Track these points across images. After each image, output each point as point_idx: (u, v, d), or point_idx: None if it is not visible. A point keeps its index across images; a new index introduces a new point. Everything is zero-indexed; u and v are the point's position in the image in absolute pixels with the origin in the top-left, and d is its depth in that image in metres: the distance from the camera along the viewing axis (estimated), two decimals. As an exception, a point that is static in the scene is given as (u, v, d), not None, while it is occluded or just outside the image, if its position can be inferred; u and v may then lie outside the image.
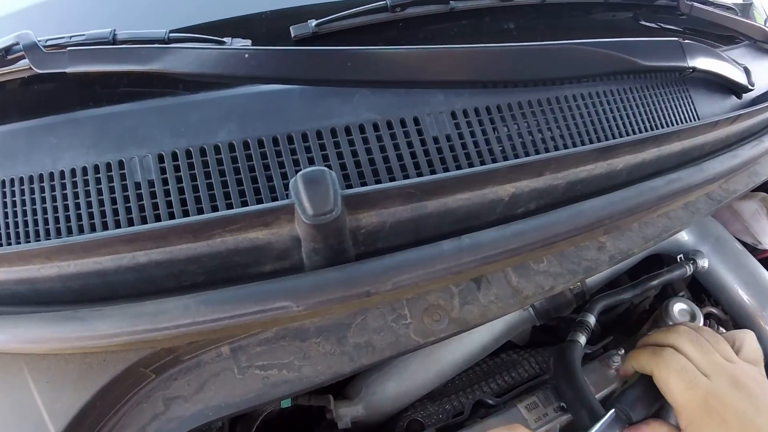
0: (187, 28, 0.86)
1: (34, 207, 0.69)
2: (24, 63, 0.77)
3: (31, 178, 0.70)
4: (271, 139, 0.67)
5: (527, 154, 0.73)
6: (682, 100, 0.95)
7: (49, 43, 0.77)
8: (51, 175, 0.69)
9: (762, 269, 1.04)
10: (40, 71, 0.74)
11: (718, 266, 1.04)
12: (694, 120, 0.94)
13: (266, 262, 0.60)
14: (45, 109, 0.75)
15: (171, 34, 0.76)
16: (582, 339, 0.92)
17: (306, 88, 0.69)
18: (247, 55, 0.64)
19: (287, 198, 0.62)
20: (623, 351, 0.95)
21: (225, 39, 0.76)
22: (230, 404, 0.59)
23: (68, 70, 0.72)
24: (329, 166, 0.65)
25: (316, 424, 1.00)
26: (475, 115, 0.72)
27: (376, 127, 0.68)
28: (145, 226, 0.58)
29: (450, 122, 0.70)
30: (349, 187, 0.66)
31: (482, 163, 0.70)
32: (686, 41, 0.89)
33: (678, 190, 0.74)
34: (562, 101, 0.79)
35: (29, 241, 0.70)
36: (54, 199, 0.68)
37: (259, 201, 0.65)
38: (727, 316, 1.07)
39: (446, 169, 0.69)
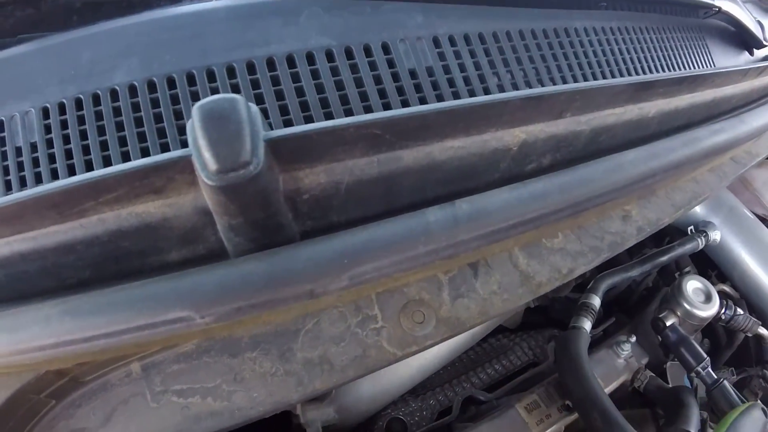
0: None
1: None
2: None
3: None
4: (185, 76, 0.42)
5: (532, 100, 0.49)
6: (700, 48, 0.71)
7: None
8: None
9: (779, 243, 0.81)
10: None
11: (730, 239, 0.82)
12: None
13: (169, 249, 0.36)
14: None
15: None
16: (587, 325, 0.70)
17: (233, 5, 0.44)
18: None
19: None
20: (634, 338, 0.73)
21: None
22: (142, 442, 0.36)
23: None
24: (264, 111, 0.40)
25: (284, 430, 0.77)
26: (465, 43, 0.47)
27: (330, 57, 0.43)
28: (-8, 202, 0.34)
29: (432, 51, 0.46)
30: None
31: (476, 108, 0.46)
32: (710, -26, 0.65)
33: (722, 143, 0.51)
34: (571, 33, 0.54)
35: None
36: None
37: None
38: (737, 294, 0.84)
39: (429, 116, 0.44)
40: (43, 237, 0.37)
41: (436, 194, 0.39)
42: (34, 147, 0.47)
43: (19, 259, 0.39)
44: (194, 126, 0.29)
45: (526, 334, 0.88)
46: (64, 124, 0.45)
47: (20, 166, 0.47)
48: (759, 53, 0.88)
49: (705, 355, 0.68)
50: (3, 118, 0.48)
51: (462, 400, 0.74)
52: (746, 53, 0.85)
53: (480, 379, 0.81)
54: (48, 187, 0.33)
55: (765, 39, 0.85)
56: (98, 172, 0.31)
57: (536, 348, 0.86)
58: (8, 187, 0.47)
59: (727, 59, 0.78)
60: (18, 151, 0.47)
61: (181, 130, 0.42)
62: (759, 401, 0.66)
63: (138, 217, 0.34)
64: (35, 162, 0.46)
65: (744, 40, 0.81)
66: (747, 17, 0.78)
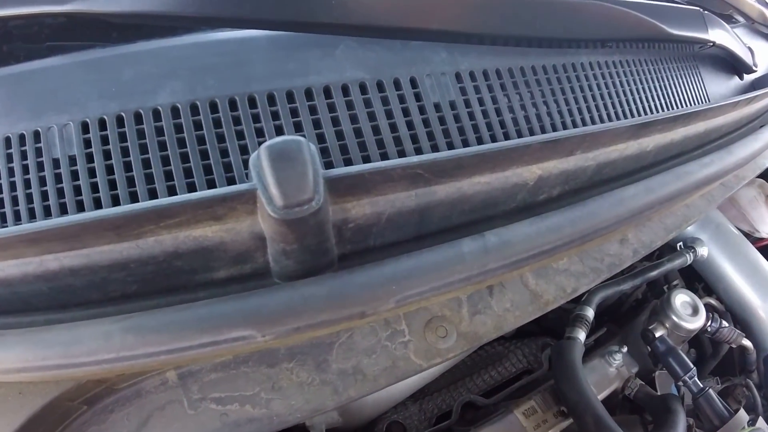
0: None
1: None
2: None
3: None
4: (227, 101, 0.48)
5: (542, 128, 0.56)
6: (694, 77, 0.79)
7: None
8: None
9: (762, 259, 0.91)
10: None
11: (717, 255, 0.91)
12: (707, 99, 0.79)
13: (219, 268, 0.41)
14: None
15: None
16: (582, 335, 0.78)
17: (275, 35, 0.49)
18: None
19: (247, 179, 0.42)
20: (625, 348, 0.81)
21: None
22: (180, 447, 0.42)
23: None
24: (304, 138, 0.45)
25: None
26: (483, 78, 0.54)
27: (363, 89, 0.49)
28: (51, 222, 0.39)
29: (455, 86, 0.52)
30: (329, 165, 0.47)
31: (492, 137, 0.53)
32: (706, 12, 0.73)
33: (712, 174, 0.59)
34: (578, 68, 0.61)
35: None
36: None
37: (210, 182, 0.46)
38: (722, 306, 0.94)
39: (450, 144, 0.51)
40: (97, 254, 0.41)
41: (461, 221, 0.45)
42: (72, 160, 0.51)
43: (68, 273, 0.43)
44: (262, 164, 0.34)
45: (521, 342, 0.95)
46: (104, 140, 0.50)
47: (57, 178, 0.51)
48: (748, 77, 0.97)
49: (692, 365, 0.77)
50: (39, 129, 0.52)
51: (461, 405, 0.81)
52: (736, 78, 0.93)
53: (476, 385, 0.88)
54: (111, 211, 0.38)
55: (754, 64, 0.94)
56: (165, 200, 0.36)
57: (530, 356, 0.93)
58: (45, 198, 0.51)
59: (719, 85, 0.87)
60: (55, 163, 0.52)
61: (224, 153, 0.47)
62: (761, 424, 0.74)
63: (195, 240, 0.39)
64: (74, 175, 0.50)
65: (735, 66, 0.90)
66: (738, 45, 0.86)
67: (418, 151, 0.48)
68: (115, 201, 0.48)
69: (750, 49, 0.93)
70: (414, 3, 0.47)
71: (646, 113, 0.67)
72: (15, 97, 0.54)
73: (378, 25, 0.46)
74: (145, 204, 0.37)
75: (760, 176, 1.01)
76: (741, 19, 1.06)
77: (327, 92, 0.49)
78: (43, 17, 0.57)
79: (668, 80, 0.74)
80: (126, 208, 0.38)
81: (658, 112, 0.68)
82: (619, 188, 0.49)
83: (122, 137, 0.49)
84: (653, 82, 0.71)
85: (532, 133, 0.55)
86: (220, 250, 0.40)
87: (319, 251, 0.38)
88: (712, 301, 0.93)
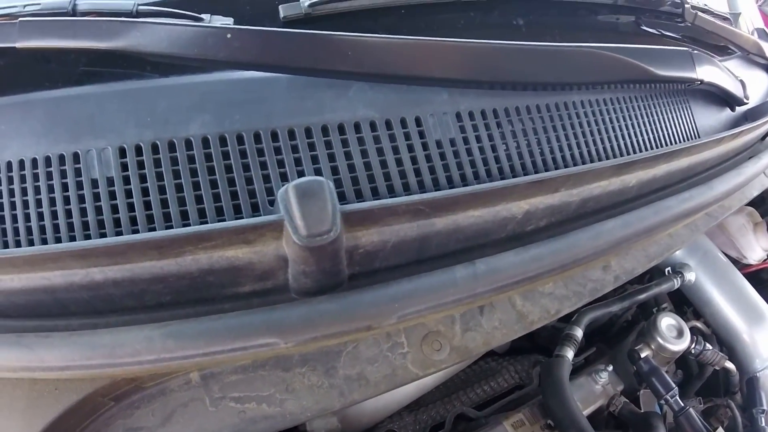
0: (159, 1, 0.72)
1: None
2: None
3: (-31, 171, 0.57)
4: (252, 134, 0.56)
5: (534, 163, 0.65)
6: (684, 111, 0.88)
7: (-1, 12, 0.63)
8: (-6, 167, 0.56)
9: (748, 286, 0.99)
10: (-14, 45, 0.60)
11: (704, 280, 1.00)
12: (695, 132, 0.88)
13: (245, 283, 0.50)
14: (-10, 89, 0.62)
15: (140, 7, 0.63)
16: (570, 354, 0.86)
17: (295, 78, 0.58)
18: (228, 36, 0.53)
19: (269, 205, 0.51)
20: (611, 367, 0.89)
21: (203, 15, 0.64)
22: (202, 440, 0.50)
23: (18, 44, 0.59)
24: (318, 170, 0.55)
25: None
26: (481, 117, 0.63)
27: (373, 127, 0.58)
28: (101, 241, 0.47)
29: (455, 124, 0.61)
30: (342, 196, 0.56)
31: (488, 171, 0.61)
32: (695, 51, 0.82)
33: (691, 209, 0.67)
34: (570, 107, 0.70)
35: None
36: (-4, 196, 0.56)
37: (237, 207, 0.55)
38: (709, 330, 1.02)
39: (449, 178, 0.59)
40: (139, 269, 0.49)
41: (456, 248, 0.54)
42: (110, 181, 0.59)
43: (111, 284, 0.51)
44: (289, 199, 0.43)
45: (513, 359, 1.02)
46: (140, 165, 0.57)
47: (96, 197, 0.59)
48: (740, 109, 1.06)
49: (674, 385, 0.84)
50: (79, 151, 0.59)
51: (454, 416, 0.89)
52: (728, 110, 1.02)
53: (470, 398, 0.95)
54: (157, 234, 0.46)
55: (745, 97, 1.03)
56: (206, 227, 0.44)
57: (522, 372, 1.00)
58: (83, 214, 0.59)
59: (709, 117, 0.96)
60: (94, 183, 0.60)
61: (248, 181, 0.56)
62: None
63: (227, 260, 0.48)
64: (111, 195, 0.58)
65: (725, 99, 0.99)
66: (728, 80, 0.95)
67: (420, 184, 0.57)
68: (150, 220, 0.56)
69: (742, 81, 1.01)
70: (417, 55, 0.56)
71: (635, 148, 0.76)
72: (54, 120, 0.60)
73: (386, 72, 0.55)
74: (187, 229, 0.46)
75: (750, 205, 1.10)
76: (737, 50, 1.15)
77: (341, 129, 0.57)
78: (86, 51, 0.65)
79: (658, 116, 0.83)
80: (171, 232, 0.46)
81: (647, 147, 0.77)
82: (599, 222, 0.58)
83: (157, 163, 0.57)
84: (643, 117, 0.80)
85: (524, 168, 0.64)
86: (248, 268, 0.48)
87: (333, 272, 0.47)
88: (699, 325, 1.01)
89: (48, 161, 0.59)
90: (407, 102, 0.60)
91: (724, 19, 1.11)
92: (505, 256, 0.51)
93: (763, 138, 1.06)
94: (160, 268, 0.49)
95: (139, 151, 0.58)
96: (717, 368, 0.97)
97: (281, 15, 0.69)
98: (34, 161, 0.57)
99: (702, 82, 0.84)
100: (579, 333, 0.87)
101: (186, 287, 0.51)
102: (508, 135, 0.64)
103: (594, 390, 0.88)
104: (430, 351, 0.54)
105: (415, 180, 0.58)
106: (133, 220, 0.57)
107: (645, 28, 0.97)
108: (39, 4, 0.65)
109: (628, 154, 0.72)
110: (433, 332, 0.55)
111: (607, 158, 0.69)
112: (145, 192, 0.57)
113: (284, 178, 0.55)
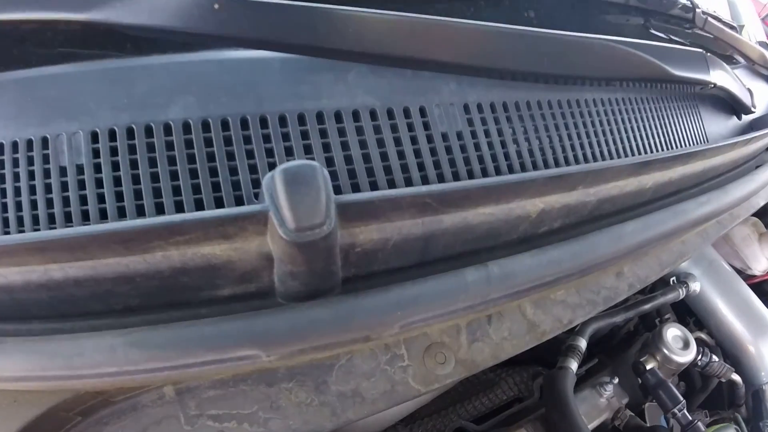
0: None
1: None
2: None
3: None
4: (239, 120, 0.49)
5: (545, 161, 0.58)
6: (694, 116, 0.82)
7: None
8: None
9: (754, 296, 0.94)
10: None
11: (709, 290, 0.94)
12: (705, 138, 0.82)
13: (224, 285, 0.42)
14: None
15: (117, -24, 0.55)
16: (574, 366, 0.80)
17: (289, 58, 0.51)
18: (216, 6, 0.45)
19: (255, 198, 0.44)
20: (616, 380, 0.82)
21: None
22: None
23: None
24: (311, 161, 0.47)
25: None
26: (490, 111, 0.56)
27: (373, 116, 0.51)
28: (57, 232, 0.40)
29: (462, 117, 0.54)
30: (337, 189, 0.48)
31: (497, 168, 0.54)
32: (709, 54, 0.77)
33: (708, 213, 0.61)
34: (582, 104, 0.64)
35: None
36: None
37: (219, 201, 0.47)
38: (713, 341, 0.96)
39: (456, 173, 0.52)
40: (102, 266, 0.42)
41: (464, 250, 0.47)
42: (80, 169, 0.52)
43: (72, 284, 0.44)
44: (276, 186, 0.36)
45: (512, 370, 0.96)
46: (113, 151, 0.51)
47: (64, 186, 0.52)
48: (747, 118, 1.01)
49: (681, 398, 0.79)
50: (48, 135, 0.52)
51: (452, 431, 0.82)
52: (735, 118, 0.97)
53: (467, 411, 0.89)
54: (122, 224, 0.39)
55: (753, 105, 0.98)
56: (177, 217, 0.37)
57: (521, 384, 0.94)
58: (50, 205, 0.52)
59: (717, 124, 0.90)
60: (62, 171, 0.52)
61: (233, 171, 0.49)
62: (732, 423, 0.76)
63: (203, 258, 0.40)
64: (80, 184, 0.51)
65: (734, 106, 0.94)
66: (738, 87, 0.90)
67: (425, 179, 0.50)
68: (121, 213, 0.49)
69: (749, 90, 0.96)
70: (426, 35, 0.49)
71: (646, 151, 0.70)
72: (25, 102, 0.54)
73: (391, 54, 0.48)
74: (156, 219, 0.38)
75: (755, 215, 1.05)
76: (741, 60, 1.10)
77: (338, 117, 0.50)
78: (58, 24, 0.58)
79: (669, 119, 0.77)
80: (136, 222, 0.39)
81: (658, 149, 0.71)
82: (619, 224, 0.51)
83: (131, 149, 0.50)
84: (654, 120, 0.74)
85: (535, 166, 0.57)
86: (227, 268, 0.41)
87: (325, 274, 0.40)
88: (703, 336, 0.95)
89: (15, 147, 0.52)
90: (412, 90, 0.53)
91: (731, 27, 1.06)
92: (520, 258, 0.44)
93: (768, 148, 1.01)
94: (126, 265, 0.42)
95: (113, 136, 0.51)
96: (723, 380, 0.91)
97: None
98: (1, 146, 0.51)
99: (715, 85, 0.78)
100: (583, 344, 0.81)
101: (157, 289, 0.43)
102: (519, 130, 0.57)
103: (599, 403, 0.82)
104: (434, 364, 0.46)
105: (418, 175, 0.51)
106: (103, 213, 0.50)
107: (653, 31, 0.91)
108: (4, -28, 0.57)
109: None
110: (436, 343, 0.47)
111: (621, 159, 0.62)
112: (117, 182, 0.50)
113: (273, 168, 0.48)
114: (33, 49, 0.60)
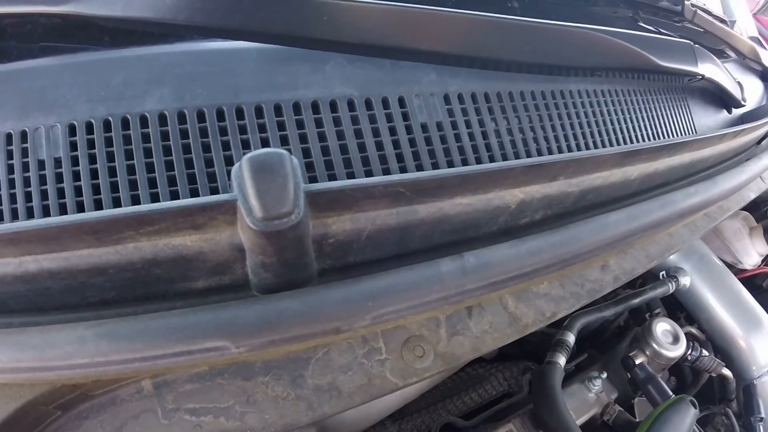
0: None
1: None
2: None
3: None
4: (215, 111, 0.48)
5: (528, 152, 0.57)
6: (683, 109, 0.81)
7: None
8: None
9: (744, 291, 0.92)
10: None
11: (699, 285, 0.92)
12: (694, 131, 0.80)
13: (197, 277, 0.41)
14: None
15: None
16: (562, 360, 0.78)
17: (265, 48, 0.50)
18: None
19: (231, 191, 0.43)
20: (605, 375, 0.81)
21: None
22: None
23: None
24: (288, 152, 0.46)
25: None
26: (471, 101, 0.55)
27: (351, 106, 0.50)
28: (30, 223, 0.39)
29: (442, 107, 0.53)
30: (313, 180, 0.47)
31: (478, 159, 0.53)
32: (697, 46, 0.75)
33: (696, 205, 0.59)
34: (566, 96, 0.63)
35: None
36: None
37: (194, 192, 0.46)
38: (703, 335, 0.94)
39: (435, 164, 0.51)
40: (75, 258, 0.41)
41: (442, 242, 0.45)
42: (57, 162, 0.51)
43: (47, 276, 0.43)
44: (243, 175, 0.34)
45: (502, 365, 0.95)
46: (90, 144, 0.50)
47: (42, 179, 0.51)
48: (737, 111, 0.99)
49: (670, 393, 0.77)
50: (27, 129, 0.52)
51: (440, 427, 0.80)
52: (725, 112, 0.95)
53: (456, 407, 0.88)
54: (91, 215, 0.38)
55: (743, 99, 0.96)
56: (145, 207, 0.36)
57: (511, 379, 0.93)
58: (28, 199, 0.51)
59: (707, 118, 0.89)
60: (41, 165, 0.51)
61: (208, 163, 0.48)
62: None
63: (174, 249, 0.39)
64: (58, 177, 0.50)
65: (724, 99, 0.92)
66: (728, 80, 0.88)
67: (403, 170, 0.49)
68: (98, 206, 0.48)
69: (740, 83, 0.95)
70: (404, 23, 0.48)
71: (632, 142, 0.68)
72: (3, 96, 0.54)
73: (369, 43, 0.47)
74: (125, 209, 0.37)
75: (745, 209, 1.03)
76: (732, 54, 1.08)
77: (315, 107, 0.49)
78: (37, 17, 0.57)
79: (656, 111, 0.75)
80: (106, 212, 0.38)
81: (644, 141, 0.69)
82: (602, 214, 0.50)
83: (108, 142, 0.49)
84: (641, 112, 0.73)
85: (517, 157, 0.55)
86: (199, 259, 0.40)
87: (298, 265, 0.39)
88: (693, 330, 0.94)
89: (-5, 140, 0.51)
90: (390, 80, 0.52)
91: (722, 21, 1.04)
92: (498, 248, 0.43)
93: (759, 141, 0.99)
94: (99, 257, 0.41)
95: (90, 128, 0.51)
96: (713, 375, 0.90)
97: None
98: (-19, 141, 0.50)
99: (703, 77, 0.76)
100: (571, 339, 0.79)
101: (131, 281, 0.42)
102: (501, 122, 0.56)
103: (587, 398, 0.81)
104: (412, 358, 0.45)
105: (397, 166, 0.49)
106: (81, 206, 0.49)
107: (642, 24, 0.90)
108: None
109: (627, 148, 0.64)
110: (415, 336, 0.46)
111: (606, 151, 0.61)
112: (94, 174, 0.50)
113: (249, 159, 0.47)
114: (14, 44, 0.59)
